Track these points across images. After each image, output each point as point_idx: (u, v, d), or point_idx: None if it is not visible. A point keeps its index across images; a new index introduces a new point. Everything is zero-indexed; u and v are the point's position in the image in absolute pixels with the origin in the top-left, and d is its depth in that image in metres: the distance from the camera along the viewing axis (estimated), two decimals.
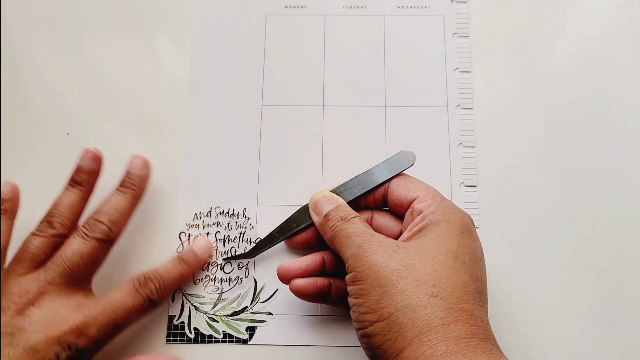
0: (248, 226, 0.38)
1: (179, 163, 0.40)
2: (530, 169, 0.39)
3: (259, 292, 0.36)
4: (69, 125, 0.41)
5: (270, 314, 0.36)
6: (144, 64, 0.42)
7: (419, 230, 0.30)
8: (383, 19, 0.43)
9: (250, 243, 0.38)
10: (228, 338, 0.36)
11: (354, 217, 0.32)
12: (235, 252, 0.37)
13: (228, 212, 0.38)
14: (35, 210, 0.36)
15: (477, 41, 0.42)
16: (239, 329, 0.36)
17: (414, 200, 0.32)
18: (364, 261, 0.29)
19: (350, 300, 0.29)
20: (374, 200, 0.35)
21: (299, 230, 0.35)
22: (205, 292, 0.36)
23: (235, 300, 0.36)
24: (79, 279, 0.33)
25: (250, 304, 0.36)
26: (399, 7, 0.43)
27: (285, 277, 0.34)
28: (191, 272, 0.36)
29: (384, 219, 0.35)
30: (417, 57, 0.41)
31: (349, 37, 0.42)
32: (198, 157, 0.40)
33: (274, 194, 0.39)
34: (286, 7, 0.43)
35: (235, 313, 0.36)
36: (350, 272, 0.29)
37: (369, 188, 0.34)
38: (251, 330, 0.36)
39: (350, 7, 0.43)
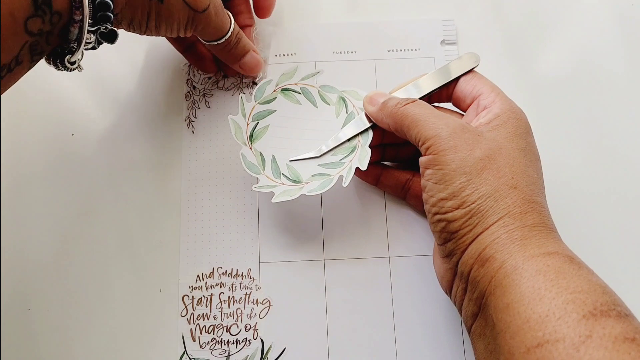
0: (254, 287, 0.38)
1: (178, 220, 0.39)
2: None
3: (267, 352, 0.36)
4: (74, 126, 0.41)
5: None
6: (148, 63, 0.43)
7: (488, 123, 0.31)
8: (374, 63, 0.43)
9: (257, 304, 0.37)
10: None
11: (417, 100, 0.33)
12: (241, 312, 0.37)
13: (231, 273, 0.38)
14: (37, 210, 0.38)
15: None
16: None
17: (478, 97, 0.33)
18: (449, 145, 0.29)
19: (427, 183, 0.30)
20: (439, 98, 0.36)
21: (371, 125, 0.36)
22: (212, 356, 0.36)
23: None
24: None
25: None
26: (389, 51, 0.43)
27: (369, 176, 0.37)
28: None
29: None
30: None
31: (339, 81, 0.41)
32: (197, 217, 0.39)
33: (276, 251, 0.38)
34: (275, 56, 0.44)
35: None
36: (431, 155, 0.30)
37: (439, 85, 0.35)
38: None
39: (341, 52, 0.43)
